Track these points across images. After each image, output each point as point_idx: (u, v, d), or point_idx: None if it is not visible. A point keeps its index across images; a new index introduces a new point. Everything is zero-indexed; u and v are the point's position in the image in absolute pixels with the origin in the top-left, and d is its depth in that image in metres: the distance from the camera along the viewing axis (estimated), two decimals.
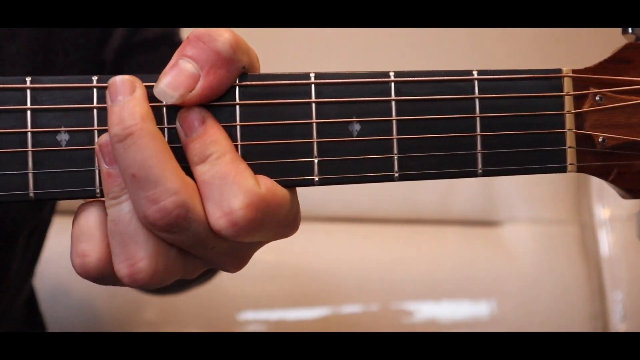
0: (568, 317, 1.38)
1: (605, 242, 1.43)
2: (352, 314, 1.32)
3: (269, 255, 1.31)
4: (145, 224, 0.55)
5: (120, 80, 0.55)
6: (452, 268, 1.38)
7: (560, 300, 1.39)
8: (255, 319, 1.31)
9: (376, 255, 1.37)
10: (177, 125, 0.57)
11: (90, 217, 0.57)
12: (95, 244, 0.57)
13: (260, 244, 0.61)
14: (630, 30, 0.65)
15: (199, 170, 0.56)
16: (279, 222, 0.58)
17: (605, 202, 1.43)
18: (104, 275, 0.57)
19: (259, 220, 0.56)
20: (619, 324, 1.41)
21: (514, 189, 1.46)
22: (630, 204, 0.71)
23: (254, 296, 1.29)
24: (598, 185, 1.44)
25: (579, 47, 1.74)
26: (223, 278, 1.11)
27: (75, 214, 0.58)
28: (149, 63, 0.90)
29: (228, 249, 0.58)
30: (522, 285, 1.38)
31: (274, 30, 1.59)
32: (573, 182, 1.47)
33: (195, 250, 0.58)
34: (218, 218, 0.55)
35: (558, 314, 1.38)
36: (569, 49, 1.73)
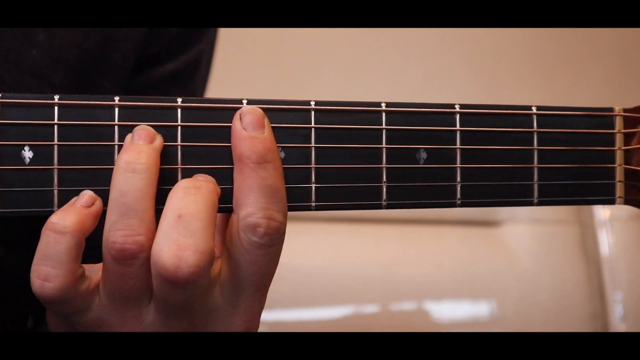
0: (568, 317, 1.38)
1: (605, 242, 1.43)
2: (352, 314, 1.32)
3: None
4: (155, 262, 0.57)
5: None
6: (452, 268, 1.38)
7: (560, 300, 1.39)
8: None
9: (376, 256, 1.37)
10: (237, 118, 0.60)
11: (63, 243, 0.57)
12: (60, 271, 0.57)
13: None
14: None
15: (258, 173, 0.59)
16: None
17: None
18: (60, 302, 0.59)
19: (279, 245, 0.61)
20: (619, 324, 1.41)
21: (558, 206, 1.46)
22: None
23: None
24: None
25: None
26: None
27: (45, 229, 0.58)
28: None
29: (209, 317, 0.62)
30: (522, 286, 1.38)
31: (274, 30, 1.59)
32: None
33: (175, 311, 0.60)
34: (260, 217, 0.59)
35: (558, 314, 1.38)
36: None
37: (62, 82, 0.76)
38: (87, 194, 0.59)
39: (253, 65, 1.63)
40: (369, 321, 1.32)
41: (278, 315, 1.31)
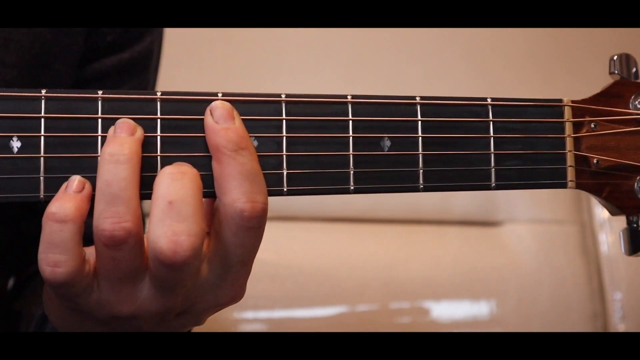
0: (568, 317, 1.39)
1: (605, 242, 1.43)
2: (353, 313, 1.32)
3: (269, 255, 1.31)
4: (153, 248, 0.60)
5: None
6: (452, 268, 1.38)
7: (560, 300, 1.39)
8: (255, 319, 1.31)
9: (376, 255, 1.37)
10: (208, 113, 0.64)
11: (66, 229, 0.60)
12: (69, 256, 0.61)
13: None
14: (616, 71, 0.76)
15: (236, 159, 0.63)
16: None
17: None
18: (70, 285, 0.62)
19: (263, 225, 0.63)
20: (618, 324, 1.41)
21: (514, 190, 1.46)
22: None
23: (254, 296, 1.29)
24: None
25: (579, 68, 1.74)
26: None
27: (47, 220, 0.61)
28: (127, 84, 0.94)
29: (199, 291, 0.65)
30: (522, 285, 1.38)
31: (274, 30, 1.59)
32: None
33: (170, 288, 0.63)
34: (244, 202, 0.62)
35: (558, 314, 1.38)
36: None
37: (15, 63, 0.80)
38: (76, 179, 0.62)
39: (253, 65, 1.63)
40: (369, 321, 1.32)
41: (278, 315, 1.31)
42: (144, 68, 0.95)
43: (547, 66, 1.77)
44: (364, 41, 1.68)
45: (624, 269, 1.43)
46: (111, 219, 0.60)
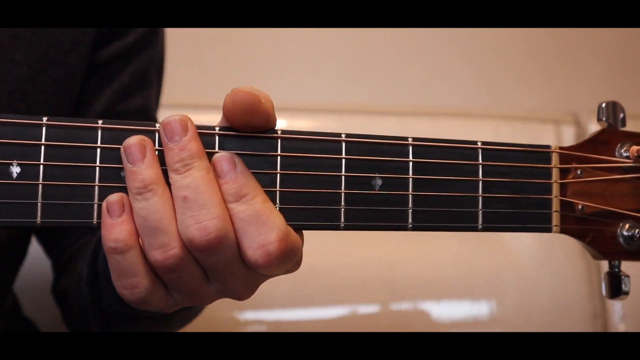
0: (568, 317, 1.38)
1: None
2: (352, 313, 1.32)
3: None
4: (185, 240, 0.63)
5: (175, 121, 0.64)
6: (452, 268, 1.38)
7: (560, 300, 1.39)
8: (255, 319, 1.31)
9: (376, 256, 1.37)
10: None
11: (130, 256, 0.64)
12: (141, 277, 0.65)
13: (269, 277, 0.69)
14: (603, 118, 0.77)
15: (236, 209, 0.64)
16: (294, 260, 0.67)
17: None
18: (151, 299, 0.66)
19: (287, 253, 0.65)
20: (618, 324, 1.41)
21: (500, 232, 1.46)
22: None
23: (254, 296, 1.29)
24: None
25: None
26: None
27: (110, 254, 0.64)
28: (132, 65, 0.96)
29: (245, 277, 0.67)
30: (522, 285, 1.38)
31: (274, 30, 1.59)
32: None
33: (218, 275, 0.66)
34: (255, 250, 0.64)
35: (558, 314, 1.38)
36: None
37: (23, 59, 0.82)
38: (114, 202, 0.64)
39: (253, 65, 1.63)
40: (369, 321, 1.32)
41: (278, 315, 1.31)
42: (148, 45, 0.97)
43: (547, 66, 1.77)
44: (364, 41, 1.68)
45: (624, 269, 1.43)
46: (159, 250, 0.63)
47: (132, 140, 0.64)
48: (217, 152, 0.65)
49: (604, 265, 1.43)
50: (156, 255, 0.63)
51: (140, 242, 0.64)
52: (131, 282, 0.65)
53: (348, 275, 1.34)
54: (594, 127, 1.46)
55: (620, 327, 1.40)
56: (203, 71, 1.60)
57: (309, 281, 1.32)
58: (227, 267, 0.65)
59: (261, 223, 0.64)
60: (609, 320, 1.41)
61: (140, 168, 0.63)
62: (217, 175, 0.65)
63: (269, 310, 1.31)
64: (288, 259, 0.65)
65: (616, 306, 1.41)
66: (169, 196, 0.64)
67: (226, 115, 0.65)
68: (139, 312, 0.81)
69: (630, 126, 0.79)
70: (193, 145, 0.64)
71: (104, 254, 0.74)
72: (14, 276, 0.95)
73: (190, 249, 0.64)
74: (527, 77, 1.76)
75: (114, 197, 0.64)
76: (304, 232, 0.69)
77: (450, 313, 1.36)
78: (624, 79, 1.79)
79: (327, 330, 1.30)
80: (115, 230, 0.63)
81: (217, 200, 0.63)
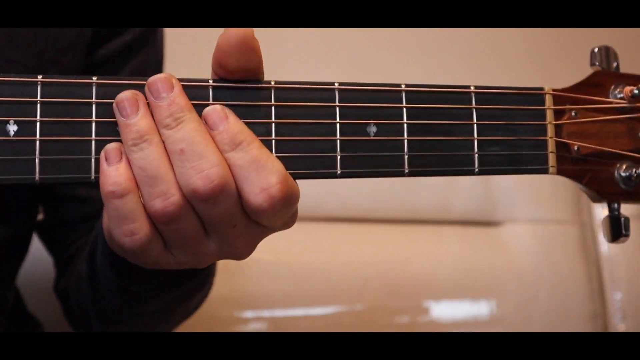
0: (568, 317, 1.38)
1: (605, 242, 1.43)
2: (353, 313, 1.32)
3: (269, 255, 1.31)
4: (187, 192, 0.63)
5: (160, 79, 0.65)
6: (452, 268, 1.38)
7: (560, 300, 1.39)
8: (255, 318, 1.31)
9: (376, 255, 1.37)
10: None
11: (129, 200, 0.64)
12: (141, 222, 0.64)
13: (268, 232, 0.68)
14: (596, 62, 0.79)
15: (234, 157, 0.64)
16: (294, 205, 0.66)
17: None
18: (151, 248, 0.65)
19: (289, 195, 0.64)
20: (618, 324, 1.41)
21: (514, 189, 1.46)
22: (630, 205, 0.78)
23: (254, 296, 1.29)
24: None
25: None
26: (223, 277, 1.11)
27: (108, 199, 0.64)
28: (130, 64, 0.96)
29: (245, 230, 0.66)
30: (522, 285, 1.38)
31: (274, 30, 1.59)
32: (572, 182, 1.47)
33: (219, 228, 0.65)
34: (257, 194, 0.63)
35: (558, 314, 1.38)
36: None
37: (20, 59, 0.82)
38: (112, 149, 0.64)
39: None
40: (369, 321, 1.32)
41: (278, 315, 1.31)
42: (146, 44, 0.97)
43: (547, 66, 1.77)
44: (364, 41, 1.68)
45: (624, 269, 1.43)
46: (158, 198, 0.63)
47: (125, 94, 0.64)
48: (209, 105, 0.66)
49: (604, 265, 1.43)
50: (156, 204, 0.63)
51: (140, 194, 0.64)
52: (131, 227, 0.64)
53: (348, 275, 1.34)
54: None
55: (620, 327, 1.40)
56: (203, 71, 1.60)
57: (309, 281, 1.32)
58: (229, 218, 0.65)
59: (260, 168, 0.64)
60: (609, 320, 1.41)
61: (134, 120, 0.64)
62: (209, 127, 0.65)
63: (269, 310, 1.31)
64: (289, 203, 0.65)
65: (616, 306, 1.41)
66: (164, 147, 0.64)
67: (220, 59, 0.66)
68: (139, 309, 0.80)
69: None
70: (181, 99, 0.64)
71: (102, 250, 0.74)
72: (15, 273, 0.96)
73: (193, 200, 0.63)
74: (527, 77, 1.75)
75: (111, 145, 0.64)
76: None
77: (450, 313, 1.36)
78: None
79: (327, 330, 1.30)
80: (114, 174, 0.63)
81: (213, 149, 0.63)
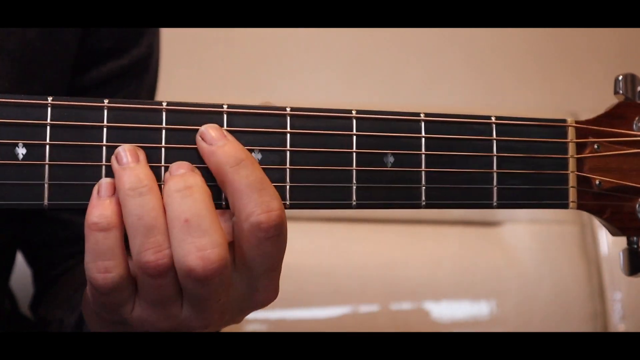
0: (568, 317, 1.38)
1: (605, 242, 1.43)
2: (352, 313, 1.32)
3: None
4: (180, 267, 0.61)
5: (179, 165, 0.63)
6: (452, 268, 1.38)
7: (560, 300, 1.39)
8: (255, 319, 1.31)
9: (376, 255, 1.37)
10: (200, 139, 0.64)
11: (111, 236, 0.61)
12: (117, 262, 0.62)
13: (250, 309, 0.68)
14: (620, 91, 0.75)
15: (240, 173, 0.62)
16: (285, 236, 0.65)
17: None
18: (120, 291, 0.63)
19: (284, 227, 0.63)
20: (618, 324, 1.41)
21: (515, 209, 1.46)
22: None
23: None
24: None
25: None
26: None
27: (91, 230, 0.61)
28: (125, 89, 0.93)
29: (229, 305, 0.65)
30: (522, 285, 1.38)
31: (274, 30, 1.59)
32: None
33: (204, 303, 0.64)
34: (259, 214, 0.62)
35: (558, 313, 1.38)
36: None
37: (6, 73, 0.79)
38: (106, 183, 0.62)
39: (253, 65, 1.63)
40: (369, 321, 1.32)
41: (278, 315, 1.31)
42: (143, 70, 0.95)
43: (547, 66, 1.77)
44: (364, 41, 1.68)
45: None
46: (152, 249, 0.61)
47: (125, 146, 0.63)
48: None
49: (604, 265, 1.43)
50: (148, 256, 0.61)
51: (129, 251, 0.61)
52: (107, 265, 0.61)
53: (348, 275, 1.33)
54: None
55: (620, 327, 1.40)
56: (203, 71, 1.60)
57: (309, 281, 1.32)
58: (216, 294, 0.63)
59: (264, 190, 0.62)
60: (609, 320, 1.41)
61: (134, 165, 0.62)
62: (208, 142, 0.63)
63: (269, 310, 1.31)
64: (282, 235, 0.64)
65: (616, 306, 1.41)
66: (162, 200, 0.62)
67: None
68: None
69: None
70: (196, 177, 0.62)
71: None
72: (6, 281, 0.95)
73: (183, 277, 0.61)
74: (527, 77, 1.75)
75: (107, 179, 0.62)
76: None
77: (450, 313, 1.35)
78: None
79: (327, 330, 1.30)
80: (102, 206, 0.61)
81: (218, 225, 0.61)
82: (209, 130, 0.64)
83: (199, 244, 0.60)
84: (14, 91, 0.79)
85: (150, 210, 0.61)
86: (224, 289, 0.63)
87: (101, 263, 0.61)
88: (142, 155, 0.63)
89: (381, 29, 1.65)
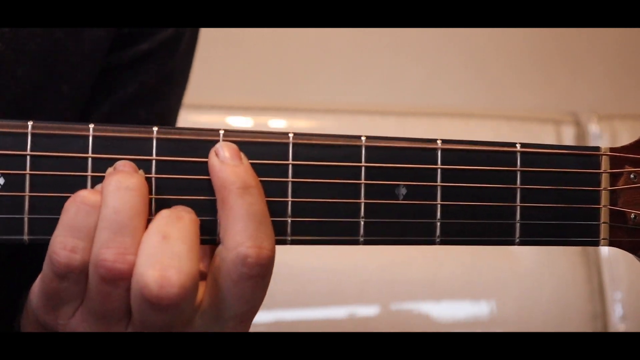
0: (568, 317, 1.38)
1: None
2: (352, 314, 1.32)
3: None
4: (138, 282, 0.55)
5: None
6: (452, 268, 1.38)
7: (560, 300, 1.39)
8: (255, 318, 1.31)
9: (376, 256, 1.37)
10: (213, 154, 0.59)
11: (93, 217, 0.56)
12: (87, 245, 0.56)
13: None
14: None
15: (244, 198, 0.57)
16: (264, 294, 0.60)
17: None
18: (76, 280, 0.57)
19: (267, 276, 0.59)
20: (618, 324, 1.41)
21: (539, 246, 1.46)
22: None
23: None
24: None
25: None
26: None
27: (72, 203, 0.56)
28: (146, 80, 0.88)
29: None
30: (522, 286, 1.38)
31: (274, 30, 1.59)
32: None
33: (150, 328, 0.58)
34: (249, 247, 0.56)
35: (558, 314, 1.38)
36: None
37: (28, 75, 0.74)
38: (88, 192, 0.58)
39: (253, 66, 1.63)
40: (369, 321, 1.32)
41: (277, 315, 1.31)
42: (168, 55, 0.90)
43: (547, 66, 1.77)
44: (364, 41, 1.68)
45: (624, 269, 1.43)
46: (115, 249, 0.55)
47: (123, 161, 0.58)
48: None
49: (604, 265, 1.43)
50: (107, 254, 0.55)
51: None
52: (77, 244, 0.55)
53: (348, 275, 1.34)
54: (594, 127, 1.46)
55: (620, 327, 1.40)
56: (203, 71, 1.60)
57: (309, 281, 1.32)
58: (170, 326, 0.57)
59: (262, 225, 0.57)
60: (609, 320, 1.41)
61: (127, 168, 0.58)
62: (220, 160, 0.58)
63: (269, 310, 1.31)
64: (265, 281, 0.59)
65: (616, 306, 1.41)
66: (147, 203, 0.57)
67: None
68: None
69: (631, 126, 0.78)
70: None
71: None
72: (19, 293, 0.93)
73: (137, 300, 0.55)
74: (527, 77, 1.76)
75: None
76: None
77: (450, 313, 1.36)
78: (624, 79, 1.79)
79: (326, 330, 1.30)
80: (94, 190, 0.57)
81: (197, 258, 0.56)
82: (224, 150, 0.59)
83: (165, 261, 0.54)
84: (38, 92, 0.77)
85: (130, 207, 0.55)
86: (179, 326, 0.58)
87: (71, 240, 0.55)
88: (141, 172, 0.59)
89: (381, 29, 1.65)
